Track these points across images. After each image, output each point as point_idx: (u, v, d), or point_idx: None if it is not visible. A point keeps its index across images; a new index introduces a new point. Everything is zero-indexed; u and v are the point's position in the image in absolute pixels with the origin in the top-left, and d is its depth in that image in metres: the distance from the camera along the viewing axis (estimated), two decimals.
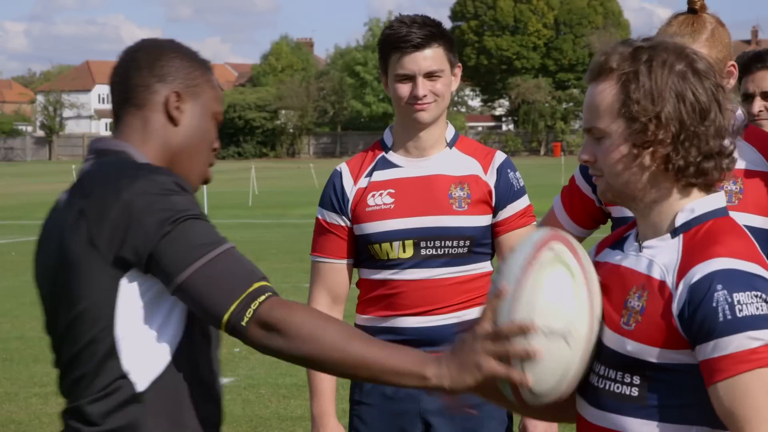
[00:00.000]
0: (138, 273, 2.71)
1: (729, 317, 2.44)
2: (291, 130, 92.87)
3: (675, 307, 2.51)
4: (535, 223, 4.22)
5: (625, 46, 2.62)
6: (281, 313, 2.63)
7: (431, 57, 4.05)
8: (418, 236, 4.06)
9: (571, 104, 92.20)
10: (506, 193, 4.15)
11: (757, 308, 2.45)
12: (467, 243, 4.10)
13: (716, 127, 2.58)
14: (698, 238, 2.57)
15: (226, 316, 2.64)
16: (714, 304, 2.46)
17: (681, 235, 2.60)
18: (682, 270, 2.53)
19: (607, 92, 2.60)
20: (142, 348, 2.76)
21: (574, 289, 2.58)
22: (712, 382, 2.46)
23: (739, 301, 2.45)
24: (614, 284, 2.65)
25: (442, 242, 4.08)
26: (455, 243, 4.08)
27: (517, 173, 4.21)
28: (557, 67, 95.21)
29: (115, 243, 2.70)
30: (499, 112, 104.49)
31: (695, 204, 2.61)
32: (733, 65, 3.74)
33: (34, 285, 2.93)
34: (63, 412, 2.84)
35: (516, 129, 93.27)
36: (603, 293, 2.64)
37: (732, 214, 3.21)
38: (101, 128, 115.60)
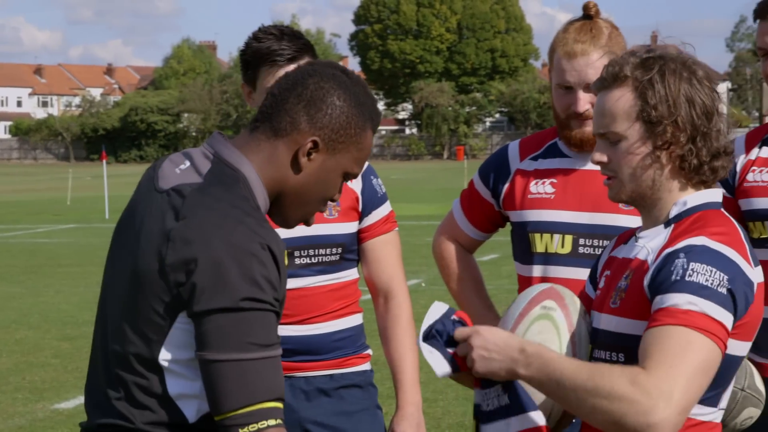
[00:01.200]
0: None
1: (678, 279, 2.66)
2: (194, 134, 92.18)
3: (647, 279, 2.73)
4: (397, 229, 4.27)
5: (634, 57, 2.83)
6: None
7: None
8: (292, 246, 4.04)
9: (474, 108, 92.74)
10: (371, 199, 4.18)
11: (707, 279, 2.65)
12: (339, 250, 4.12)
13: (718, 129, 2.81)
14: (685, 226, 2.78)
15: (228, 414, 2.60)
16: (672, 268, 2.68)
17: (672, 225, 2.81)
18: (662, 250, 2.74)
19: (623, 98, 2.82)
20: (189, 379, 2.72)
21: (557, 341, 2.87)
22: (645, 330, 2.66)
23: (693, 269, 2.66)
24: (613, 274, 2.90)
25: (316, 251, 4.08)
26: (328, 251, 4.10)
27: (380, 180, 4.25)
28: (460, 71, 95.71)
29: (179, 283, 2.65)
30: (402, 115, 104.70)
31: (688, 197, 2.83)
32: None
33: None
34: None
35: (419, 133, 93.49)
36: (605, 284, 2.91)
37: (631, 218, 3.42)
38: None
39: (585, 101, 3.75)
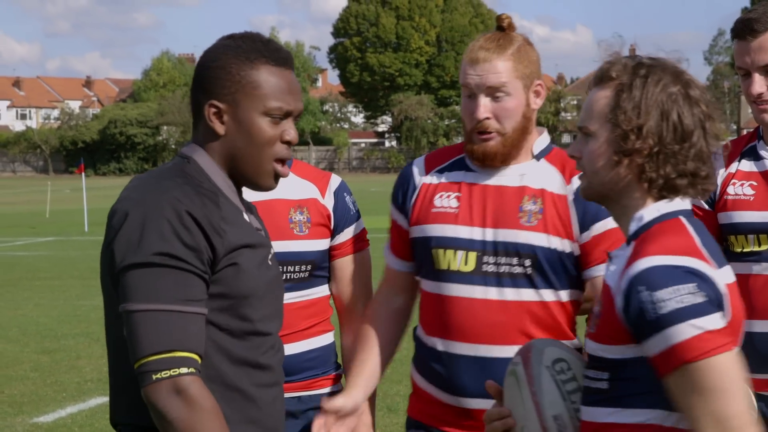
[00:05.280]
0: None
1: (654, 317, 2.62)
2: (173, 146, 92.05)
3: (618, 304, 2.70)
4: (368, 248, 4.24)
5: (628, 59, 2.81)
6: (199, 393, 2.69)
7: None
8: None
9: (453, 121, 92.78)
10: (343, 216, 4.17)
11: (678, 302, 2.60)
12: (309, 267, 4.09)
13: (696, 151, 2.74)
14: (641, 242, 2.74)
15: (142, 360, 2.69)
16: (640, 305, 2.64)
17: (633, 243, 2.77)
18: (623, 274, 2.71)
19: (602, 98, 2.81)
20: None
21: (519, 394, 2.97)
22: (665, 375, 2.65)
23: (660, 299, 2.60)
24: (599, 296, 2.88)
25: (285, 267, 4.02)
26: (297, 268, 4.07)
27: (353, 197, 4.23)
28: (439, 83, 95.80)
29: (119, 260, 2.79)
30: (381, 128, 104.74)
31: (645, 212, 2.78)
32: (540, 84, 3.71)
33: None
34: None
35: (399, 145, 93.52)
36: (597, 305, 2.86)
37: (532, 234, 3.50)
38: None
39: (485, 108, 3.68)
